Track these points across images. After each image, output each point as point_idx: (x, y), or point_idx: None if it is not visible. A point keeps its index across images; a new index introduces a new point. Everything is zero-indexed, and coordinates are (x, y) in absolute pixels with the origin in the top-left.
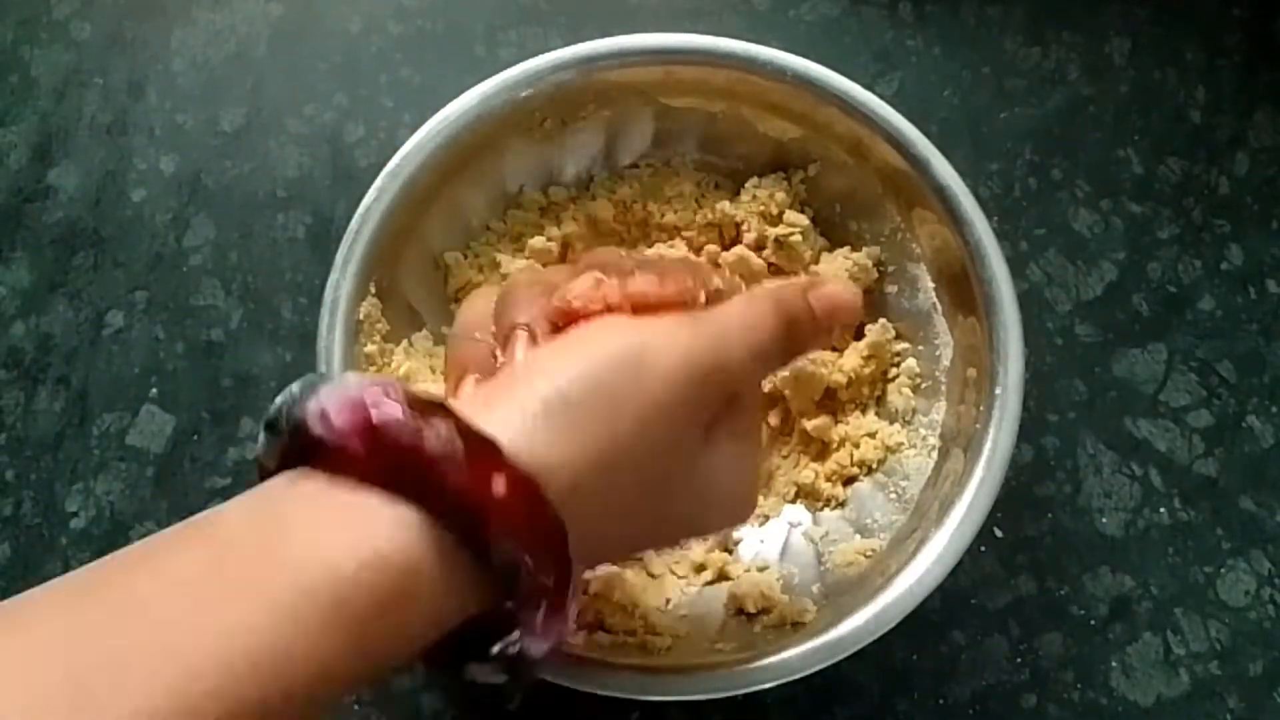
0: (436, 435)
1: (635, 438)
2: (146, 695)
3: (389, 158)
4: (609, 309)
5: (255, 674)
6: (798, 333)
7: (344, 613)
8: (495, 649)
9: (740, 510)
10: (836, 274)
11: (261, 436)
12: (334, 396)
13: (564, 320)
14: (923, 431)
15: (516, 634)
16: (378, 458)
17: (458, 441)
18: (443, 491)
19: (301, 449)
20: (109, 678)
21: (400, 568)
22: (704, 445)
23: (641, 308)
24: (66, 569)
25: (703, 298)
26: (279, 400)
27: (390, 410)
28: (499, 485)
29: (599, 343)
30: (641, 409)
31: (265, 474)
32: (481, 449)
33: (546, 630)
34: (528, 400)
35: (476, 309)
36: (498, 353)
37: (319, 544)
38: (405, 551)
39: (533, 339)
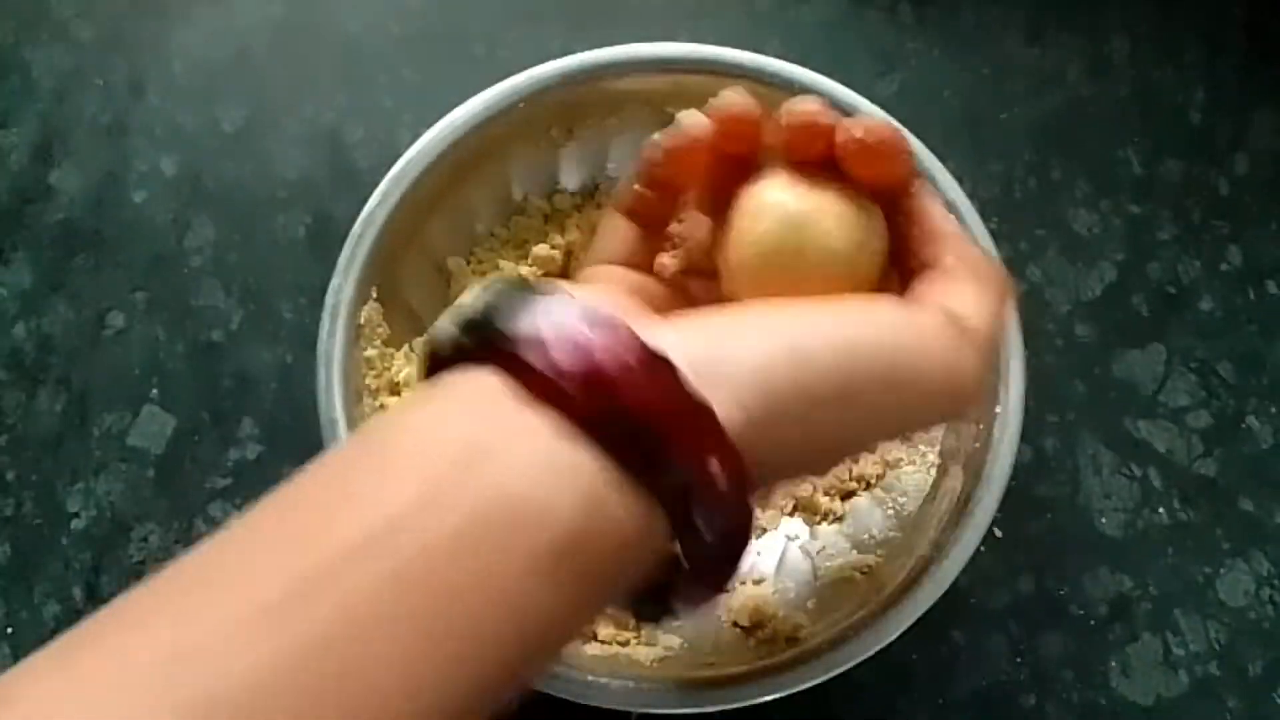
0: (661, 396)
1: (865, 433)
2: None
3: (389, 158)
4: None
5: (521, 642)
6: None
7: (588, 579)
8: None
9: None
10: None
11: (450, 329)
12: (555, 326)
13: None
14: (922, 448)
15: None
16: (595, 408)
17: (678, 404)
18: (661, 464)
19: (496, 353)
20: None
21: (617, 535)
22: None
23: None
24: (67, 569)
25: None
26: (485, 301)
27: (618, 361)
28: (715, 468)
29: (862, 317)
30: (884, 416)
31: (439, 362)
32: (701, 419)
33: (703, 598)
34: (757, 350)
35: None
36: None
37: (546, 499)
38: (620, 517)
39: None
